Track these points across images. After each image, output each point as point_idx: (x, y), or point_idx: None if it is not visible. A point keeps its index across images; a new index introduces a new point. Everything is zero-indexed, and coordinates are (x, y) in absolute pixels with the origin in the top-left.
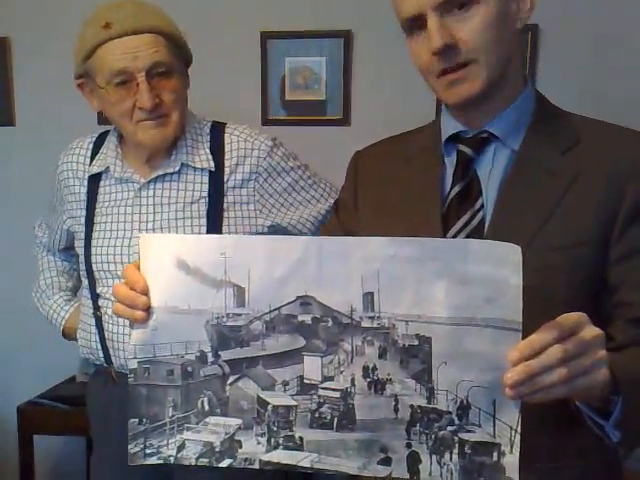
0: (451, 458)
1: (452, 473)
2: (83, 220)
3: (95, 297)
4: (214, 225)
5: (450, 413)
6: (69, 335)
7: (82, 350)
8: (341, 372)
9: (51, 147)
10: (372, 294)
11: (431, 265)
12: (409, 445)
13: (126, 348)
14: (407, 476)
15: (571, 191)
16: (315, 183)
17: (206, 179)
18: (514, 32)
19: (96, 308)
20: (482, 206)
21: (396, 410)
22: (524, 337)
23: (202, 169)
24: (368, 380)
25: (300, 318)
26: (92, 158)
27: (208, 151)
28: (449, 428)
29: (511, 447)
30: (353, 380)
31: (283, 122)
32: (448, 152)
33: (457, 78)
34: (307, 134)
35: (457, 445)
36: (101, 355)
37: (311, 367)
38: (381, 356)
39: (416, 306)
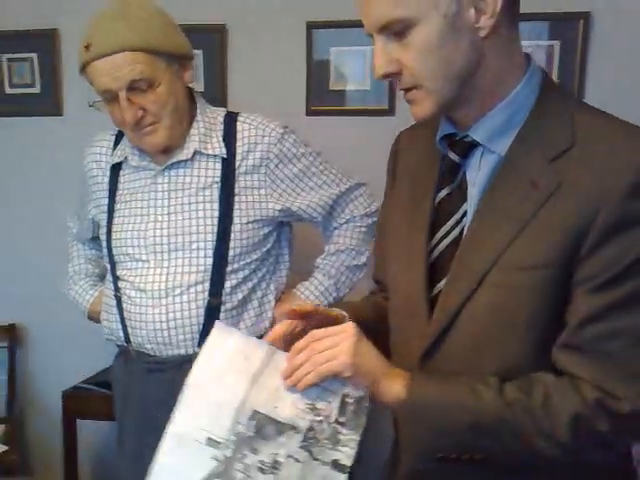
0: None
1: None
2: (106, 208)
3: (115, 279)
4: (226, 209)
5: None
6: (93, 318)
7: (105, 331)
8: None
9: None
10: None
11: None
12: None
13: (141, 327)
14: None
15: (547, 205)
16: (326, 169)
17: (219, 165)
18: (474, 42)
19: (116, 290)
20: (465, 213)
21: None
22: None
23: (215, 156)
24: None
25: None
26: (114, 149)
27: (221, 139)
28: None
29: None
30: None
31: (327, 112)
32: (445, 151)
33: (408, 99)
34: (351, 124)
35: None
36: (121, 335)
37: None
38: None
39: None
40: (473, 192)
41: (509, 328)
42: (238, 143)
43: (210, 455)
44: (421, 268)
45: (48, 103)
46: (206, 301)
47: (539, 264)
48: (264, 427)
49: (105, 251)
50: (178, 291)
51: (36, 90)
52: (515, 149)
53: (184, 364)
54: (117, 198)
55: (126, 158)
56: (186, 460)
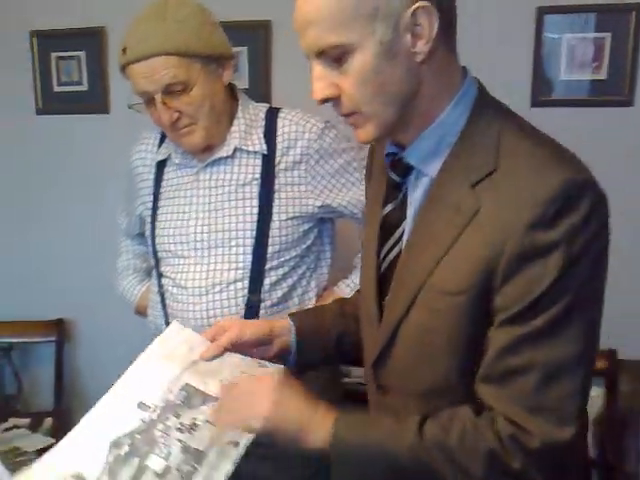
0: None
1: None
2: (150, 205)
3: (159, 276)
4: (265, 205)
5: None
6: (141, 313)
7: (151, 327)
8: None
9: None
10: None
11: None
12: None
13: (183, 323)
14: None
15: (467, 230)
16: None
17: (259, 162)
18: (411, 67)
19: (160, 286)
20: (404, 232)
21: None
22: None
23: (255, 152)
24: None
25: None
26: (159, 147)
27: (261, 135)
28: None
29: None
30: None
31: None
32: (387, 169)
33: (350, 124)
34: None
35: None
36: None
37: None
38: None
39: None
40: (410, 212)
41: (436, 349)
42: (278, 139)
43: (138, 417)
44: (373, 277)
45: (95, 101)
46: (246, 298)
47: (457, 290)
48: (191, 397)
49: (150, 247)
50: (218, 288)
51: (83, 88)
52: (443, 172)
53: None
54: (161, 195)
55: (170, 155)
56: (116, 416)
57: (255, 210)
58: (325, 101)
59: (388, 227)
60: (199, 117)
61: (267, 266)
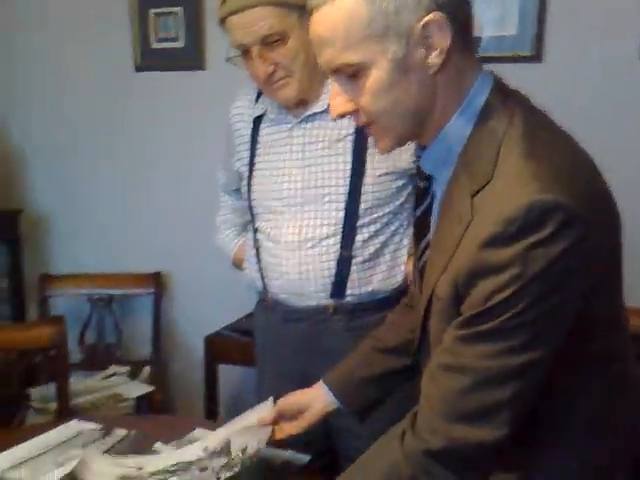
0: None
1: None
2: (247, 161)
3: (255, 231)
4: (359, 162)
5: None
6: (237, 266)
7: (246, 278)
8: None
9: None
10: None
11: None
12: None
13: (277, 277)
14: None
15: (462, 243)
16: None
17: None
18: (424, 79)
19: (255, 240)
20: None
21: None
22: None
23: None
24: None
25: None
26: (256, 102)
27: None
28: None
29: None
30: None
31: None
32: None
33: (369, 134)
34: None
35: None
36: (260, 284)
37: None
38: None
39: None
40: (433, 219)
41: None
42: None
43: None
44: (417, 274)
45: (191, 57)
46: (338, 254)
47: (441, 296)
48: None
49: (246, 203)
50: (310, 244)
51: (180, 44)
52: (452, 181)
53: (317, 315)
54: (257, 151)
55: (266, 111)
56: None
57: (348, 166)
58: (342, 116)
59: (420, 230)
60: (294, 69)
61: (359, 222)
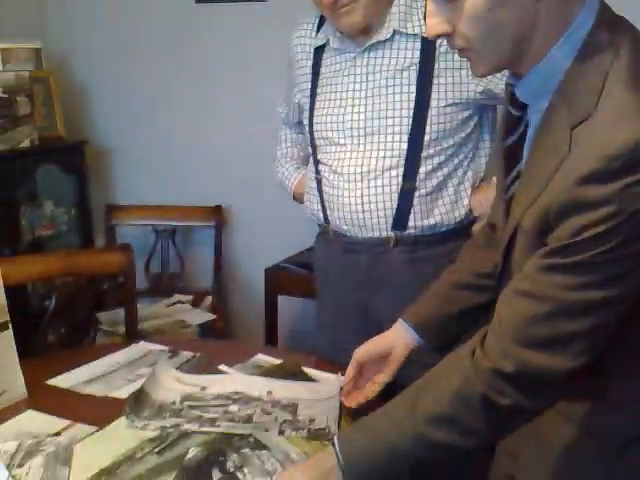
0: None
1: None
2: (309, 92)
3: (316, 162)
4: (424, 91)
5: None
6: (297, 199)
7: (307, 211)
8: None
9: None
10: None
11: None
12: None
13: (338, 209)
14: None
15: (557, 174)
16: None
17: (418, 45)
18: (526, 5)
19: (317, 172)
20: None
21: None
22: None
23: (414, 35)
24: None
25: None
26: (317, 32)
27: (421, 17)
28: None
29: None
30: None
31: None
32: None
33: (462, 57)
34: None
35: None
36: (321, 216)
37: None
38: None
39: None
40: (526, 149)
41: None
42: None
43: None
44: (502, 206)
45: None
46: (400, 186)
47: (527, 228)
48: None
49: (307, 135)
50: (373, 175)
51: None
52: (549, 112)
53: (378, 247)
54: (319, 82)
55: (328, 41)
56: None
57: (413, 96)
58: (438, 37)
59: (510, 159)
60: None
61: (423, 154)
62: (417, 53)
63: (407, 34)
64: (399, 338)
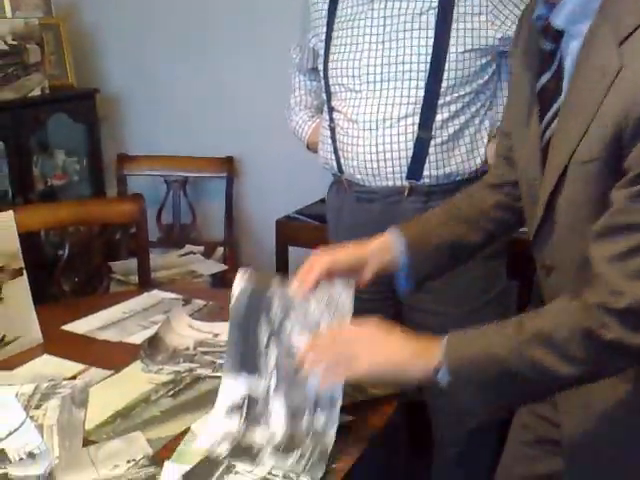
0: None
1: None
2: (324, 37)
3: (330, 110)
4: (442, 36)
5: None
6: (311, 148)
7: (320, 160)
8: None
9: None
10: None
11: None
12: None
13: (353, 157)
14: None
15: (609, 94)
16: None
17: None
18: None
19: (331, 120)
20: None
21: None
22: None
23: None
24: None
25: None
26: None
27: None
28: None
29: None
30: None
31: None
32: (538, 34)
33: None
34: None
35: None
36: (334, 165)
37: None
38: None
39: None
40: (565, 82)
41: (585, 222)
42: None
43: None
44: (535, 150)
45: None
46: (416, 134)
47: (589, 158)
48: None
49: (322, 81)
50: (388, 123)
51: None
52: (591, 34)
53: (392, 196)
54: (335, 26)
55: None
56: None
57: (431, 41)
58: None
59: (546, 99)
60: None
61: (440, 101)
62: None
63: None
64: (381, 250)
